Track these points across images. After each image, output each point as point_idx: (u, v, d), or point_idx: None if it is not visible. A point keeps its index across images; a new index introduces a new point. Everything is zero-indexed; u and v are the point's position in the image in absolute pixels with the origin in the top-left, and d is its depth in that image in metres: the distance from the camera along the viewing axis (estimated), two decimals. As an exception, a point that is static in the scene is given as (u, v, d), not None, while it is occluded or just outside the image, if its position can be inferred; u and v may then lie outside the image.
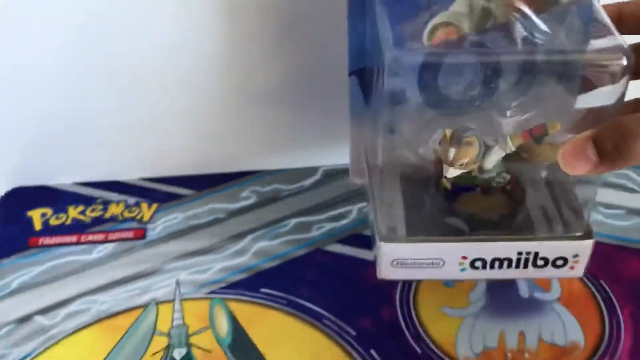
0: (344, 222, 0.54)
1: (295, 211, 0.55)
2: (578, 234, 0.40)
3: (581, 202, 0.42)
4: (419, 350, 0.44)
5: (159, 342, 0.45)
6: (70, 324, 0.46)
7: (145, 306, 0.47)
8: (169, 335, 0.45)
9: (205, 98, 0.55)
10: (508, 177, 0.40)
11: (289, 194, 0.57)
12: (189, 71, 0.53)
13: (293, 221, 0.54)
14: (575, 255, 0.41)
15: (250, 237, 0.53)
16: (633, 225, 0.52)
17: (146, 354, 0.44)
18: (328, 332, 0.45)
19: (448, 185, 0.40)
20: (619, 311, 0.46)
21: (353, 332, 0.45)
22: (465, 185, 0.41)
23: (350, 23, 0.42)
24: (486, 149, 0.38)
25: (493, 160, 0.39)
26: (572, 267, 0.41)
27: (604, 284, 0.48)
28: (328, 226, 0.53)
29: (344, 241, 0.52)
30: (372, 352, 0.44)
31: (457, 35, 0.36)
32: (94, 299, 0.48)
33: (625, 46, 0.33)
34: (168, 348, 0.44)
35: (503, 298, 0.47)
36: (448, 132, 0.39)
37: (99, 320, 0.46)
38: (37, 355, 0.44)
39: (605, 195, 0.55)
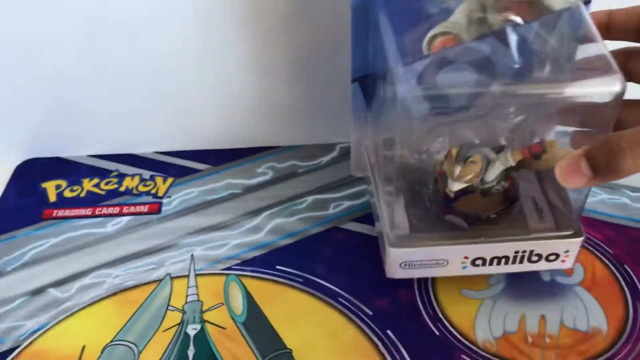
0: (361, 200, 0.52)
1: (313, 188, 0.54)
2: (569, 232, 0.42)
3: (572, 200, 0.43)
4: (436, 332, 0.43)
5: (173, 318, 0.44)
6: (84, 297, 0.46)
7: (159, 281, 0.47)
8: (183, 310, 0.45)
9: (222, 72, 0.54)
10: (507, 184, 0.42)
11: (306, 170, 0.56)
12: (207, 45, 0.52)
13: (310, 198, 0.53)
14: (566, 251, 0.43)
15: (266, 213, 0.52)
16: (660, 209, 0.51)
17: (160, 328, 0.44)
18: (344, 311, 0.44)
19: (451, 195, 0.42)
20: (643, 297, 0.45)
21: (370, 312, 0.44)
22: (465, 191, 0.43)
23: (354, 35, 0.43)
24: (488, 163, 0.40)
25: (494, 173, 0.41)
26: (563, 261, 0.44)
27: (628, 268, 0.47)
28: (346, 204, 0.52)
29: (362, 219, 0.51)
30: (389, 332, 0.43)
31: (455, 43, 0.37)
32: (108, 273, 0.47)
33: (618, 71, 0.35)
34: (182, 323, 0.44)
35: (524, 281, 0.46)
36: (454, 150, 0.41)
37: (113, 294, 0.46)
38: (51, 327, 0.44)
39: (632, 178, 0.54)
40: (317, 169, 0.56)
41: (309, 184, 0.54)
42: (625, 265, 0.47)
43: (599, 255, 0.48)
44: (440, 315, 0.44)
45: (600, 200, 0.52)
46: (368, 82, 0.46)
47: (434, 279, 0.46)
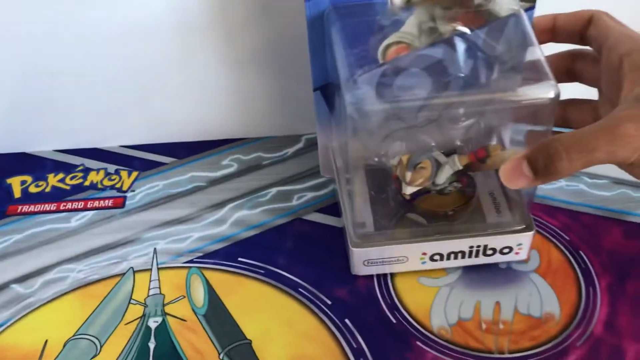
0: (324, 191, 0.53)
1: (277, 180, 0.55)
2: (521, 227, 0.44)
3: (523, 194, 0.45)
4: (393, 320, 0.44)
5: (135, 311, 0.45)
6: (47, 293, 0.46)
7: (122, 275, 0.47)
8: (144, 304, 0.45)
9: (187, 65, 0.54)
10: (459, 185, 0.44)
11: (271, 162, 0.56)
12: (171, 38, 0.52)
13: (274, 190, 0.54)
14: (519, 244, 0.45)
15: (230, 206, 0.52)
16: (616, 196, 0.52)
17: (122, 322, 0.44)
18: (303, 301, 0.45)
19: (407, 197, 0.44)
20: (596, 282, 0.46)
21: (328, 302, 0.45)
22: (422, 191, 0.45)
23: (311, 47, 0.45)
24: (438, 167, 0.43)
25: (444, 177, 0.43)
26: (517, 253, 0.46)
27: (583, 254, 0.48)
28: (309, 195, 0.53)
29: (325, 210, 0.52)
30: (347, 321, 0.44)
31: (408, 50, 0.40)
32: (71, 267, 0.48)
33: (553, 80, 0.38)
34: (143, 317, 0.45)
35: (480, 268, 0.46)
36: (404, 158, 0.43)
37: (76, 288, 0.47)
38: (13, 323, 0.44)
39: (590, 164, 0.55)
40: (282, 160, 0.57)
41: (273, 176, 0.55)
42: (580, 251, 0.48)
43: (555, 241, 0.49)
44: (398, 304, 0.45)
45: (559, 187, 0.53)
46: (329, 90, 0.47)
47: (393, 268, 0.47)
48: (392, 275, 0.47)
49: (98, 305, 0.45)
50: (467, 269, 0.47)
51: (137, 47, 0.52)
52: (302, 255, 0.48)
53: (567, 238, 0.49)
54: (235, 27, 0.52)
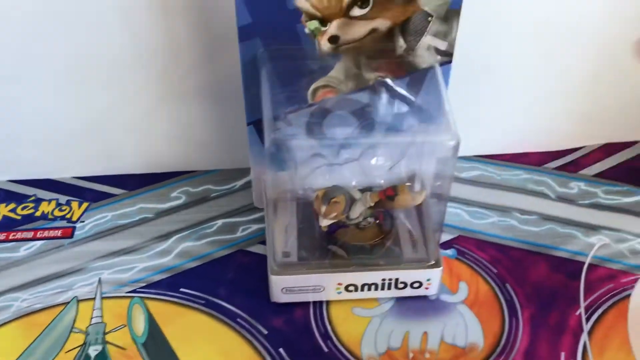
0: (269, 223, 0.55)
1: (223, 212, 0.57)
2: (430, 262, 0.48)
3: (433, 231, 0.48)
4: (325, 349, 0.46)
5: (76, 339, 0.46)
6: (-10, 321, 0.47)
7: (66, 304, 0.49)
8: (86, 332, 0.47)
9: (140, 99, 0.56)
10: (372, 220, 0.47)
11: (219, 194, 0.59)
12: (123, 72, 0.54)
13: (220, 222, 0.56)
14: (428, 279, 0.48)
15: (175, 237, 0.54)
16: (545, 231, 0.55)
17: (62, 350, 0.46)
18: (241, 331, 0.47)
19: (324, 229, 0.47)
20: (519, 313, 0.48)
21: (265, 331, 0.47)
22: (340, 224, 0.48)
23: (245, 85, 0.48)
24: (352, 203, 0.45)
25: (357, 212, 0.46)
26: (426, 288, 0.49)
27: (509, 287, 0.50)
28: (253, 227, 0.55)
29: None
30: (281, 350, 0.46)
31: (335, 94, 0.44)
32: (16, 297, 0.49)
33: (454, 129, 0.42)
34: (84, 345, 0.46)
35: (411, 299, 0.49)
36: (320, 192, 0.46)
37: (19, 317, 0.48)
38: (-45, 351, 0.45)
39: (522, 201, 0.58)
40: (230, 192, 0.59)
41: (220, 208, 0.57)
42: (507, 284, 0.50)
43: (484, 274, 0.51)
44: (331, 333, 0.47)
45: (491, 223, 0.56)
46: (261, 125, 0.50)
47: (328, 299, 0.49)
48: (328, 304, 0.49)
49: (40, 334, 0.46)
50: (399, 300, 0.49)
51: (91, 81, 0.54)
52: (242, 285, 0.50)
53: (495, 271, 0.51)
54: (185, 63, 0.54)
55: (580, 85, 0.60)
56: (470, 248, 0.53)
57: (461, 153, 0.62)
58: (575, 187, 0.59)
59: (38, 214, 0.56)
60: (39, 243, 0.54)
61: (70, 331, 0.47)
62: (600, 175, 0.61)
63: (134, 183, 0.59)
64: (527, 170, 0.61)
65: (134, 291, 0.50)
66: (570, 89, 0.60)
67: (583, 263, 0.52)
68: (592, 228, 0.55)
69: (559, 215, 0.56)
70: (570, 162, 0.62)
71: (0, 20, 0.50)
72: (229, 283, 0.50)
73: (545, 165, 0.62)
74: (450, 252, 0.53)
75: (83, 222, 0.55)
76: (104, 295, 0.49)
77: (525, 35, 0.55)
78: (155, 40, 0.52)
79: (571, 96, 0.61)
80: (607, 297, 0.49)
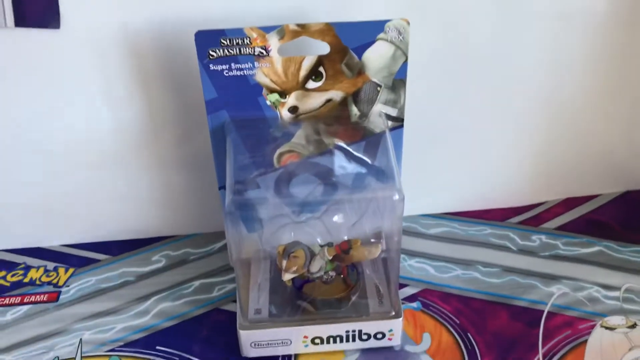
0: (244, 282, 0.58)
1: (201, 273, 0.60)
2: (392, 313, 0.50)
3: (391, 282, 0.51)
4: (292, 401, 0.48)
5: (55, 398, 0.49)
6: (-26, 382, 0.50)
7: (47, 364, 0.51)
8: (65, 390, 0.49)
9: (122, 171, 0.60)
10: (333, 274, 0.50)
11: (197, 257, 0.62)
12: (106, 145, 0.59)
13: (197, 283, 0.59)
14: (390, 330, 0.50)
15: (154, 298, 0.57)
16: (505, 282, 0.57)
17: (41, 408, 0.48)
18: (212, 386, 0.49)
19: (289, 284, 0.50)
20: (479, 360, 0.50)
21: (235, 386, 0.49)
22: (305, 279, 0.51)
23: (214, 152, 0.52)
24: (312, 257, 0.48)
25: (317, 266, 0.49)
26: (389, 339, 0.51)
27: (470, 335, 0.52)
28: (229, 287, 0.58)
29: (242, 300, 0.56)
30: (249, 403, 0.48)
31: (299, 158, 0.49)
32: (1, 358, 0.52)
33: (398, 186, 0.46)
34: (63, 403, 0.48)
35: (376, 350, 0.51)
36: (280, 248, 0.49)
37: (3, 378, 0.50)
38: (-60, 411, 0.48)
39: (485, 254, 0.61)
40: (208, 255, 0.62)
41: (198, 269, 0.60)
42: (469, 334, 0.53)
43: (447, 325, 0.54)
44: (298, 386, 0.49)
45: (455, 276, 0.58)
46: None
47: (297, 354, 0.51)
48: (297, 357, 0.51)
49: (21, 393, 0.49)
50: (364, 352, 0.51)
51: (75, 156, 0.59)
52: (216, 342, 0.53)
53: (458, 321, 0.54)
54: (165, 137, 0.59)
55: (539, 142, 0.64)
56: (435, 300, 0.56)
57: (428, 211, 0.66)
58: (537, 240, 0.62)
59: (26, 280, 0.60)
60: (25, 307, 0.57)
61: (50, 390, 0.49)
62: (561, 228, 0.64)
63: (118, 248, 0.63)
64: (491, 226, 0.64)
65: (112, 350, 0.52)
66: (529, 147, 0.64)
67: (542, 311, 0.54)
68: (552, 278, 0.58)
69: (520, 266, 0.59)
70: (532, 217, 0.65)
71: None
72: (203, 340, 0.53)
73: (508, 220, 0.65)
74: (415, 304, 0.56)
75: (68, 286, 0.59)
76: (84, 355, 0.52)
77: (480, 97, 0.60)
78: (136, 118, 0.57)
79: (530, 153, 0.65)
80: (564, 342, 0.51)
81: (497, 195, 0.67)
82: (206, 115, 0.50)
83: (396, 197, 0.45)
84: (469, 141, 0.63)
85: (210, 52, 0.47)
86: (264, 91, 0.49)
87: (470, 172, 0.65)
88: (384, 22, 0.47)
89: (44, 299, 0.57)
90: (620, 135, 0.65)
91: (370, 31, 0.47)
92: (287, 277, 0.48)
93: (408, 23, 0.47)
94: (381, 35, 0.48)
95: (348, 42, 0.48)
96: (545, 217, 0.65)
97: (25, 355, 0.52)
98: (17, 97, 0.55)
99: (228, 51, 0.47)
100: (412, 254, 0.61)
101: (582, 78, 0.61)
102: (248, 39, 0.47)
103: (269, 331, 0.49)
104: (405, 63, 0.49)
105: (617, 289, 0.56)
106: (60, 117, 0.57)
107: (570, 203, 0.67)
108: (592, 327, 0.53)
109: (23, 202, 0.61)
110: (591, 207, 0.66)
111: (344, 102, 0.50)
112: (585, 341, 0.51)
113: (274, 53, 0.48)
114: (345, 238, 0.50)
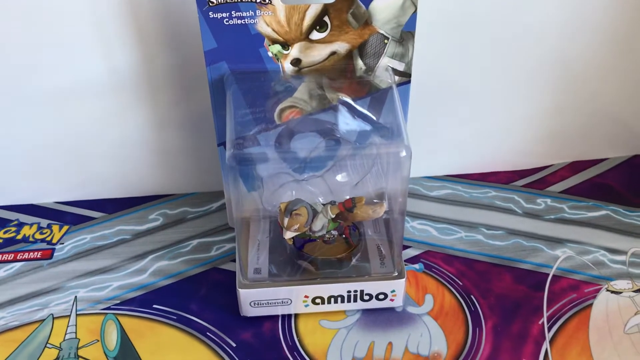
0: (242, 242, 0.57)
1: (199, 232, 0.58)
2: (394, 274, 0.49)
3: (395, 244, 0.50)
4: (292, 360, 0.47)
5: (50, 354, 0.48)
6: (-33, 338, 0.49)
7: (42, 321, 0.50)
8: (59, 347, 0.48)
9: (118, 127, 0.59)
10: (335, 233, 0.50)
11: (195, 216, 0.60)
12: (103, 101, 0.57)
13: (195, 242, 0.57)
14: (393, 291, 0.49)
15: (151, 257, 0.56)
16: (509, 245, 0.56)
17: (35, 365, 0.47)
18: (210, 345, 0.48)
19: (290, 242, 0.49)
20: (483, 323, 0.49)
21: (233, 344, 0.48)
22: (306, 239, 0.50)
23: (214, 107, 0.50)
24: (314, 216, 0.47)
25: (319, 224, 0.47)
26: (392, 300, 0.50)
27: (474, 298, 0.52)
28: (227, 246, 0.57)
29: (241, 260, 0.55)
30: (248, 362, 0.47)
31: (301, 114, 0.47)
32: (-6, 315, 0.51)
33: (406, 142, 0.44)
34: (57, 359, 0.47)
35: (378, 311, 0.50)
36: (282, 205, 0.47)
37: (-4, 334, 0.49)
38: None
39: (489, 217, 0.59)
40: (206, 214, 0.61)
41: (196, 229, 0.59)
42: (472, 296, 0.52)
43: (449, 287, 0.53)
44: (298, 345, 0.48)
45: (458, 238, 0.57)
46: None
47: (297, 312, 0.51)
48: (296, 317, 0.50)
49: (14, 350, 0.48)
50: (366, 312, 0.50)
51: (71, 110, 0.57)
52: (213, 301, 0.52)
53: (461, 283, 0.53)
54: (163, 95, 0.57)
55: (547, 105, 0.62)
56: (437, 262, 0.55)
57: (431, 173, 0.65)
58: (542, 203, 0.61)
59: (19, 237, 0.58)
60: (18, 264, 0.55)
61: (45, 347, 0.48)
62: (567, 191, 0.62)
63: (114, 207, 0.61)
64: (495, 188, 0.63)
65: (108, 308, 0.51)
66: (537, 109, 0.62)
67: (547, 275, 0.53)
68: (557, 241, 0.57)
69: (525, 229, 0.58)
70: (537, 180, 0.64)
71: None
72: (201, 299, 0.52)
73: (513, 183, 0.64)
74: (417, 266, 0.54)
75: (62, 244, 0.57)
76: (79, 313, 0.51)
77: (489, 56, 0.58)
78: (134, 72, 0.55)
79: (538, 116, 0.63)
80: (569, 306, 0.51)
81: (502, 157, 0.65)
82: (205, 68, 0.48)
83: (403, 153, 0.43)
84: (474, 101, 0.61)
85: (210, -1, 0.45)
86: (266, 42, 0.47)
87: (475, 133, 0.63)
88: (394, -31, 0.45)
89: (38, 256, 0.56)
90: (630, 98, 0.63)
91: (378, -22, 0.45)
92: (288, 235, 0.47)
93: (419, -29, 0.45)
94: (390, -17, 0.45)
95: (355, -10, 0.45)
96: (551, 180, 0.64)
97: (19, 312, 0.51)
98: (14, 50, 0.53)
99: (229, -2, 0.45)
100: (415, 215, 0.60)
101: (593, 40, 0.58)
102: (250, -15, 0.45)
103: (269, 290, 0.48)
104: (414, 14, 0.47)
105: (624, 253, 0.55)
106: (56, 71, 0.54)
107: (576, 166, 0.65)
108: (598, 290, 0.52)
109: (16, 157, 0.59)
110: (598, 171, 0.65)
111: (349, 55, 0.48)
112: (591, 305, 0.51)
113: (276, 1, 0.45)
114: (347, 197, 0.49)
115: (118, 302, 0.51)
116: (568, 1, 0.56)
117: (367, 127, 0.48)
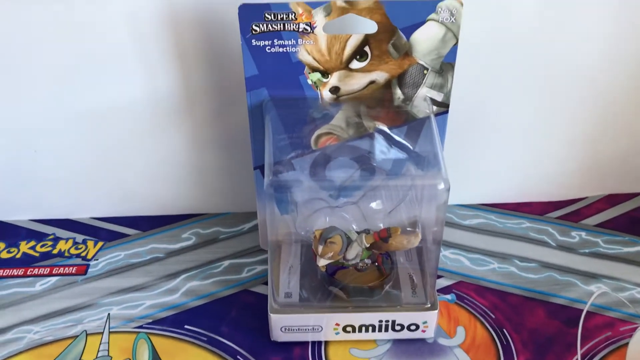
0: (274, 265, 0.57)
1: (231, 253, 0.59)
2: (427, 305, 0.49)
3: (429, 275, 0.49)
4: (321, 388, 0.47)
5: (82, 371, 0.48)
6: (2, 352, 0.49)
7: (75, 337, 0.51)
8: (92, 365, 0.48)
9: (155, 147, 0.59)
10: (369, 262, 0.49)
11: (227, 236, 0.61)
12: (141, 122, 0.58)
13: (227, 262, 0.58)
14: (424, 322, 0.49)
15: (183, 276, 0.56)
16: (543, 278, 0.56)
17: (68, 381, 0.47)
18: (240, 368, 0.48)
19: (323, 269, 0.49)
20: (515, 358, 0.49)
21: (263, 369, 0.48)
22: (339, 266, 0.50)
23: (252, 131, 0.51)
24: (349, 244, 0.47)
25: (353, 253, 0.48)
26: (423, 331, 0.49)
27: (506, 332, 0.51)
28: (258, 268, 0.57)
29: (271, 283, 0.55)
30: (278, 388, 0.47)
31: (338, 141, 0.47)
32: (29, 329, 0.51)
33: (445, 175, 0.44)
34: (89, 377, 0.48)
35: (409, 342, 0.50)
36: (317, 232, 0.47)
37: (31, 348, 0.50)
38: (-33, 379, 0.48)
39: (522, 249, 0.59)
40: (239, 234, 0.61)
41: (227, 249, 0.59)
42: (504, 329, 0.51)
43: (482, 319, 0.52)
44: (328, 373, 0.48)
45: (491, 269, 0.57)
46: None
47: (327, 339, 0.50)
48: (326, 345, 0.50)
49: (48, 365, 0.48)
50: (396, 342, 0.50)
51: (111, 129, 0.58)
52: (244, 324, 0.52)
53: (493, 316, 0.52)
54: (199, 114, 0.58)
55: (583, 136, 0.62)
56: (470, 293, 0.54)
57: (465, 201, 0.64)
58: (577, 236, 0.60)
59: (55, 251, 0.59)
60: (54, 279, 0.56)
61: (78, 363, 0.49)
62: (602, 225, 0.62)
63: (148, 224, 0.62)
64: (529, 219, 0.62)
65: (140, 327, 0.51)
66: (573, 140, 0.62)
67: (581, 310, 0.52)
68: (592, 276, 0.56)
69: (559, 263, 0.57)
70: (572, 212, 0.63)
71: (28, 75, 0.54)
72: (231, 321, 0.52)
73: (548, 215, 0.63)
74: (449, 297, 0.54)
75: (97, 260, 0.58)
76: (111, 330, 0.51)
77: (526, 87, 0.58)
78: (173, 93, 0.56)
79: (574, 147, 0.62)
80: (604, 344, 0.50)
81: (537, 188, 0.64)
82: (245, 92, 0.49)
83: (442, 186, 0.43)
84: (511, 131, 0.61)
85: (254, 27, 0.45)
86: (306, 70, 0.48)
87: (510, 162, 0.63)
88: (436, 2, 0.45)
89: (73, 271, 0.57)
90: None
91: (421, 11, 0.45)
92: (322, 262, 0.47)
93: (461, 4, 0.45)
94: (432, 15, 0.46)
95: (397, 21, 0.46)
96: (586, 212, 0.63)
97: (53, 327, 0.51)
98: (54, 67, 0.54)
99: (272, 26, 0.46)
100: (448, 244, 0.59)
101: (630, 71, 0.58)
102: (293, 14, 0.45)
103: (300, 316, 0.48)
104: (455, 46, 0.47)
105: (661, 291, 0.54)
106: (94, 88, 0.56)
107: (612, 199, 0.65)
108: (634, 329, 0.51)
109: (54, 172, 0.60)
110: (634, 205, 0.64)
111: (387, 85, 0.49)
112: (626, 344, 0.49)
113: (318, 30, 0.46)
114: (381, 225, 0.48)
115: (150, 321, 0.52)
116: (605, 32, 0.55)
117: (403, 156, 0.48)
